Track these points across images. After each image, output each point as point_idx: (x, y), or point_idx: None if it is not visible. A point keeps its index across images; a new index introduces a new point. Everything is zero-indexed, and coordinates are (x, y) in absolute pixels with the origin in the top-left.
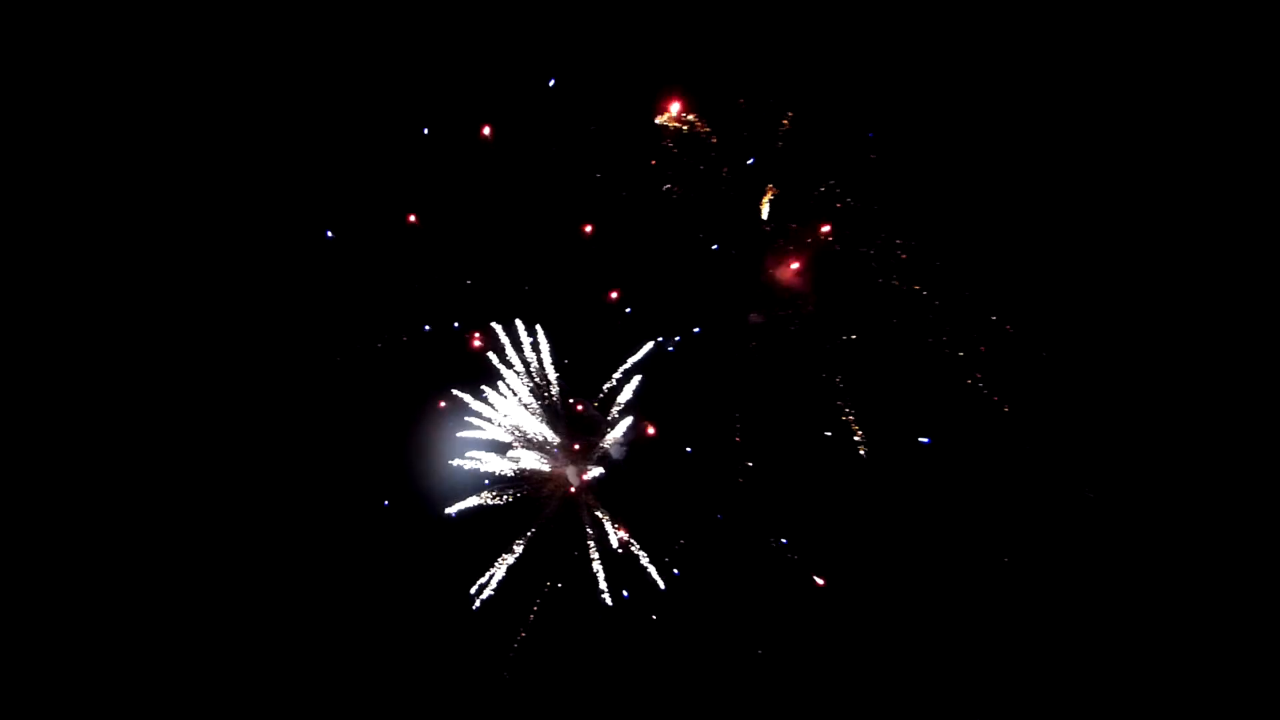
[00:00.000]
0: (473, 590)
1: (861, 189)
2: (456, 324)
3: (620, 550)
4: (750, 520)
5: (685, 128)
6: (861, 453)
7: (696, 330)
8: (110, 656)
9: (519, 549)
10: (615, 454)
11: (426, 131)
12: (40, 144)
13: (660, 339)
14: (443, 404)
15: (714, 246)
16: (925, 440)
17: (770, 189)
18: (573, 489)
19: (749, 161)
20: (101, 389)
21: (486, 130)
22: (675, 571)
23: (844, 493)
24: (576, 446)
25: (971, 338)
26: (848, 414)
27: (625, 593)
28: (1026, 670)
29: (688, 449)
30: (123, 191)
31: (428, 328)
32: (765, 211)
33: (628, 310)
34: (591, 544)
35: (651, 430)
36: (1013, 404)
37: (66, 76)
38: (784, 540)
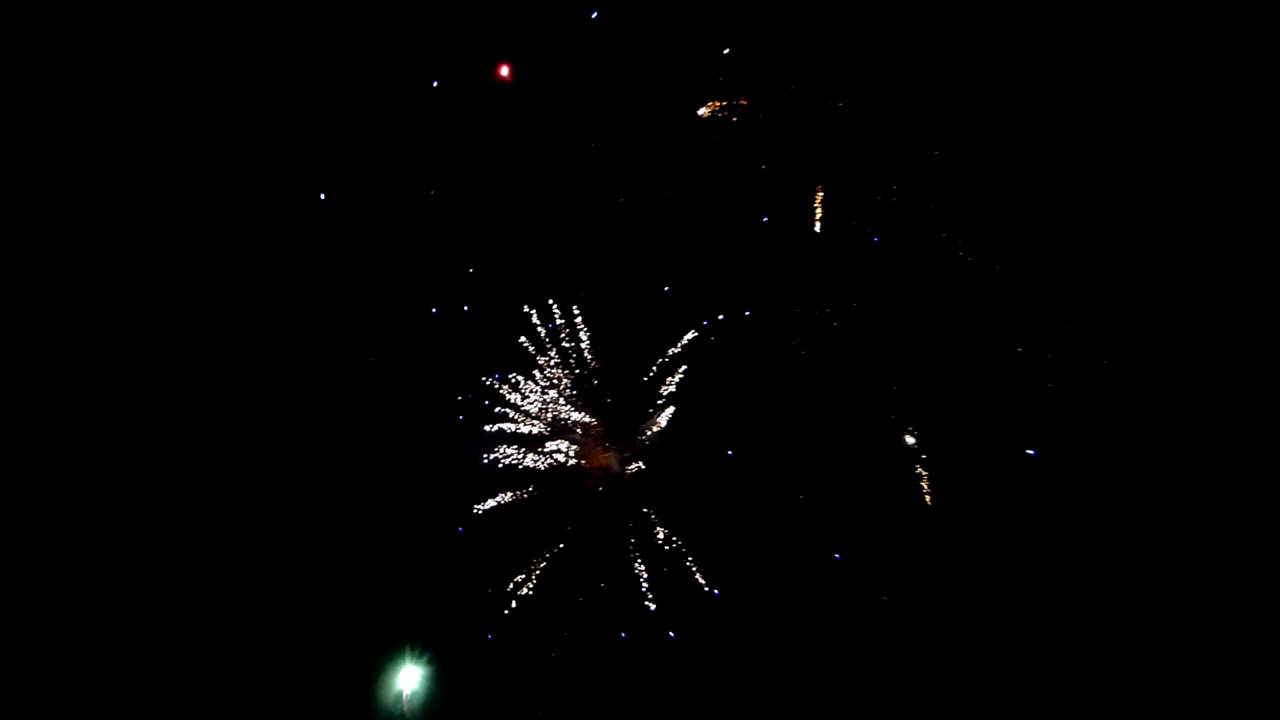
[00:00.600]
0: (509, 589)
1: (915, 184)
2: (485, 308)
3: (666, 548)
4: (800, 526)
5: (734, 117)
6: (916, 450)
7: (746, 314)
8: (136, 659)
9: (556, 547)
10: (655, 446)
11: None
12: (33, 130)
13: (705, 323)
14: (471, 395)
15: (764, 219)
16: (1031, 452)
17: (820, 186)
18: (609, 485)
19: (813, 111)
20: (111, 389)
21: (504, 71)
22: (716, 591)
23: (899, 502)
24: (608, 444)
25: (1030, 342)
26: (906, 424)
27: (672, 628)
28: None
29: (729, 451)
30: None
31: (447, 312)
32: (817, 207)
33: (666, 289)
34: (633, 541)
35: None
36: (1076, 413)
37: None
38: (837, 555)
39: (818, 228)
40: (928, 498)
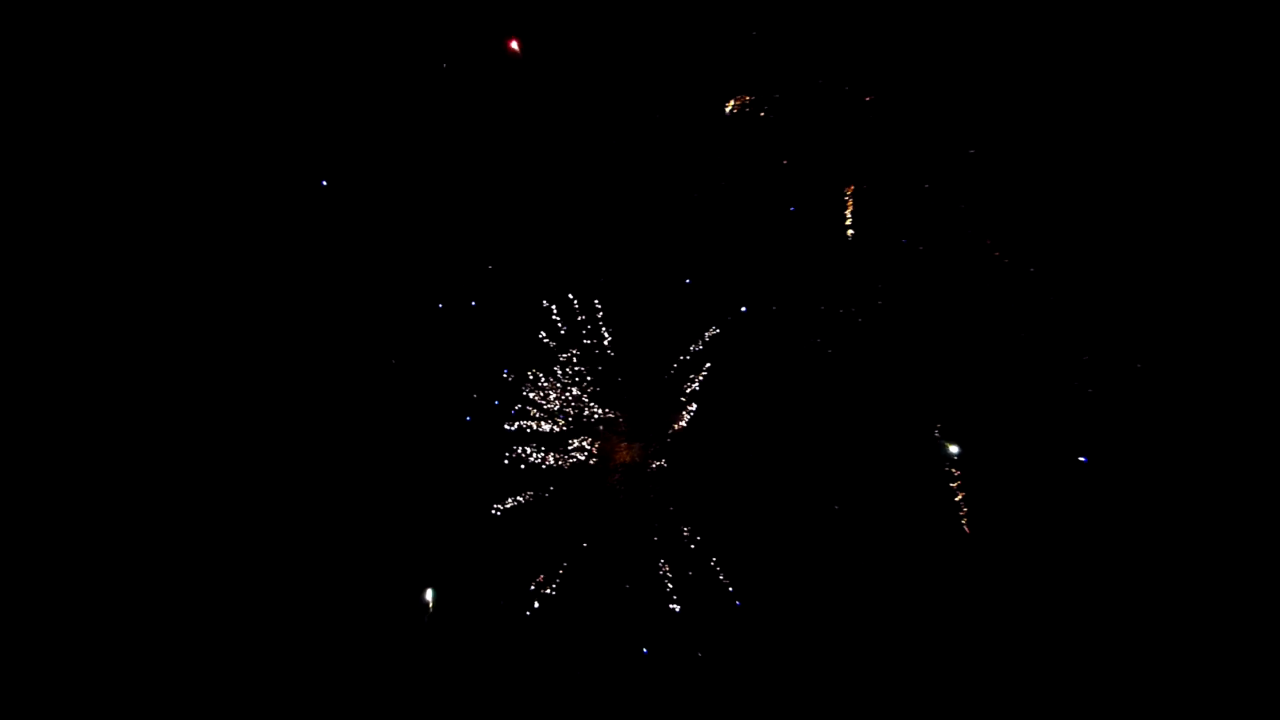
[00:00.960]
0: (532, 587)
1: (947, 181)
2: (504, 303)
3: (691, 546)
4: (826, 532)
5: (761, 112)
6: (954, 457)
7: (773, 309)
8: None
9: (578, 547)
10: (678, 444)
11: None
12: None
13: (729, 319)
14: (489, 394)
15: (791, 209)
16: (1083, 459)
17: (850, 186)
18: (631, 484)
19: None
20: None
21: (514, 44)
22: (737, 602)
23: (935, 510)
24: (630, 441)
25: (1066, 345)
26: (940, 428)
27: (695, 633)
28: None
29: (754, 453)
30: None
31: (464, 308)
32: (848, 199)
33: (688, 281)
34: (656, 539)
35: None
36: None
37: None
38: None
39: (849, 231)
40: (963, 507)
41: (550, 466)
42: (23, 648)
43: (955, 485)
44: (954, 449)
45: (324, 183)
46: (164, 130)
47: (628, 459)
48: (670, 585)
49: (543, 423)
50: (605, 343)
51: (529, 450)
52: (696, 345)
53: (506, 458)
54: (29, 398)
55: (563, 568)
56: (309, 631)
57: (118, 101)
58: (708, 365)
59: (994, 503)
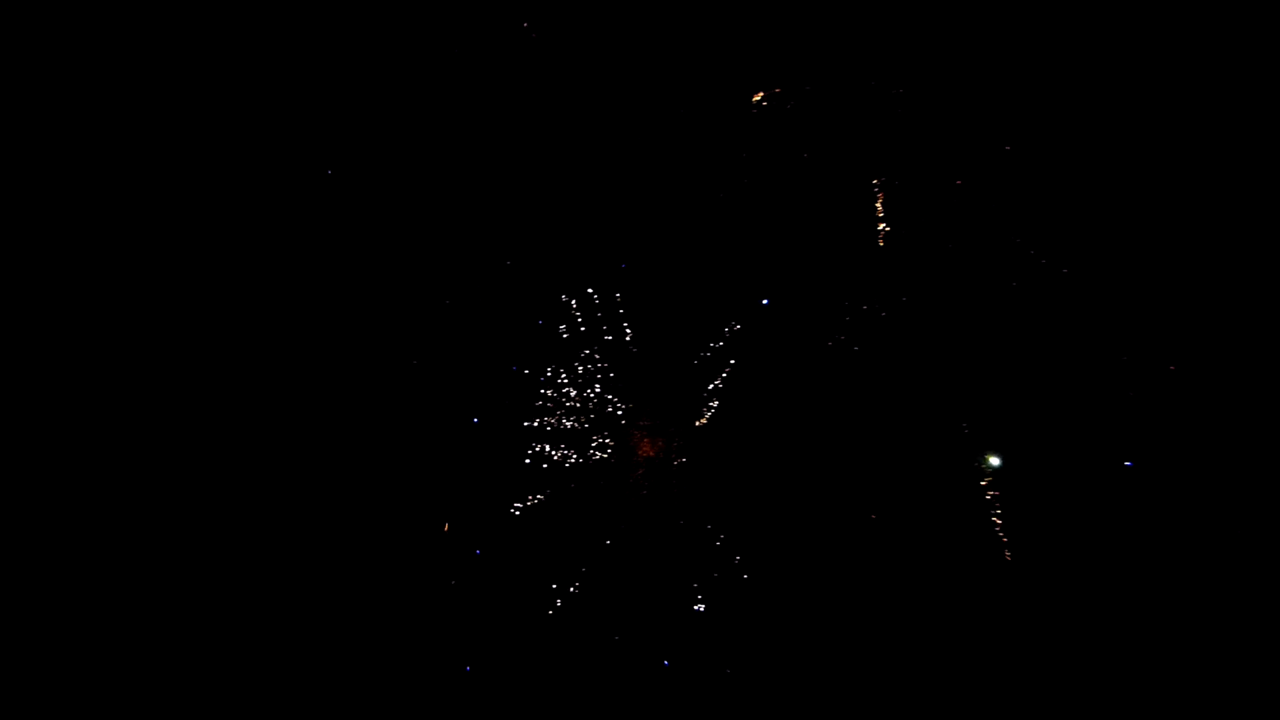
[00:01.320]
0: (554, 587)
1: (979, 180)
2: (521, 299)
3: (718, 544)
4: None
5: (789, 104)
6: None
7: (797, 307)
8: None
9: (597, 546)
10: (701, 441)
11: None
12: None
13: (753, 315)
14: (506, 390)
15: (818, 203)
16: (1128, 464)
17: (879, 183)
18: (653, 482)
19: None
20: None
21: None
22: (756, 607)
23: (969, 520)
24: (651, 438)
25: (1102, 347)
26: (973, 433)
27: (718, 636)
28: None
29: (778, 453)
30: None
31: (479, 305)
32: (879, 197)
33: (711, 278)
34: (678, 539)
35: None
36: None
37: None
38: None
39: (879, 227)
40: (1000, 520)
41: (571, 463)
42: (22, 647)
43: (986, 484)
44: (995, 460)
45: (329, 171)
46: (164, 121)
47: (651, 454)
48: (695, 585)
49: (564, 419)
50: (627, 337)
51: (549, 447)
52: (719, 342)
53: (527, 456)
54: (29, 397)
55: (584, 567)
56: (320, 636)
57: (117, 91)
58: (732, 360)
59: (1034, 513)
